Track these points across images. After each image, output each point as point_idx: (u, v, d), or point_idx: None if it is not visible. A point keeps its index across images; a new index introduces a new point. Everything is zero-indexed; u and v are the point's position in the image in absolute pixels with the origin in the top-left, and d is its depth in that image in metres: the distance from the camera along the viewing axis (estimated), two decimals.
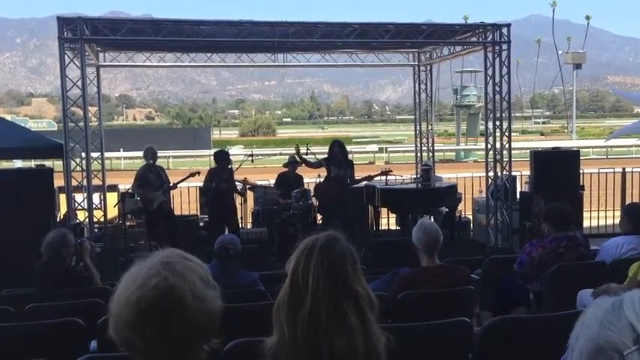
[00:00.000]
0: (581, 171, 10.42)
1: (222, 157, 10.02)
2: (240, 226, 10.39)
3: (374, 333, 1.82)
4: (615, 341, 0.75)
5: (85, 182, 9.30)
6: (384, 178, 10.29)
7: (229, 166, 9.96)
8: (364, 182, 10.69)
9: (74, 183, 9.20)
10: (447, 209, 10.51)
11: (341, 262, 1.84)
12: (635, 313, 0.76)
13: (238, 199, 10.42)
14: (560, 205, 5.55)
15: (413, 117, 13.96)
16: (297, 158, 9.95)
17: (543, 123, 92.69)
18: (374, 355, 1.81)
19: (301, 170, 10.61)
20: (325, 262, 1.82)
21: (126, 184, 10.84)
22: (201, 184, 11.61)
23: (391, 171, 10.36)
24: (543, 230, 5.22)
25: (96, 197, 9.96)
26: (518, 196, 10.63)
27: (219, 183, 9.57)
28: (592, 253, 5.52)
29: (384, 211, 11.02)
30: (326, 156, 9.99)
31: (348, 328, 1.77)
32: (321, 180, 10.03)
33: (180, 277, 1.38)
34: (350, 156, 10.70)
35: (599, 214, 12.08)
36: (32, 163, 12.85)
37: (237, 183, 10.08)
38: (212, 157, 10.97)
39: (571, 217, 5.26)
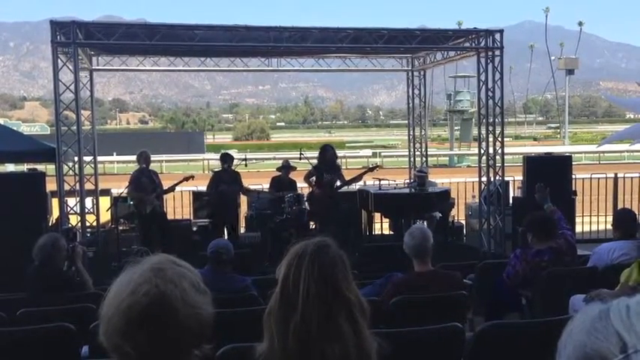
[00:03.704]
0: (573, 176, 10.47)
1: (222, 159, 10.25)
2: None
3: (366, 339, 1.82)
4: (602, 350, 0.75)
5: (77, 186, 9.27)
6: (377, 182, 10.32)
7: (232, 168, 10.12)
8: (357, 187, 10.73)
9: (67, 187, 9.15)
10: (440, 214, 10.53)
11: (332, 269, 1.84)
12: (622, 321, 0.77)
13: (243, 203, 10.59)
14: (544, 214, 5.55)
15: (406, 122, 13.98)
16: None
17: (555, 129, 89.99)
18: None
19: (294, 175, 10.64)
20: (316, 268, 1.82)
21: (119, 188, 10.81)
22: (195, 188, 11.65)
23: (377, 167, 10.43)
24: (527, 239, 5.22)
25: (88, 201, 9.91)
26: (510, 201, 10.65)
27: (225, 187, 9.82)
28: (583, 259, 5.54)
29: (377, 215, 11.03)
30: (316, 162, 10.04)
31: (340, 334, 1.77)
32: (314, 187, 10.02)
33: (171, 284, 1.37)
34: (343, 160, 10.79)
35: (591, 220, 12.12)
36: (24, 167, 12.81)
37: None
38: (206, 162, 11.10)
39: (554, 226, 5.24)
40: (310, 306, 1.78)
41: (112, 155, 32.83)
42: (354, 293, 1.86)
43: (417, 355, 3.33)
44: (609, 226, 6.64)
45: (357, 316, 1.81)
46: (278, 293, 1.84)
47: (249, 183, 10.36)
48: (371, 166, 10.36)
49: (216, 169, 10.93)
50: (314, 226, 10.28)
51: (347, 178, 10.09)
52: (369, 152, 39.07)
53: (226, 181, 9.90)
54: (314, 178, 9.92)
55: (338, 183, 9.92)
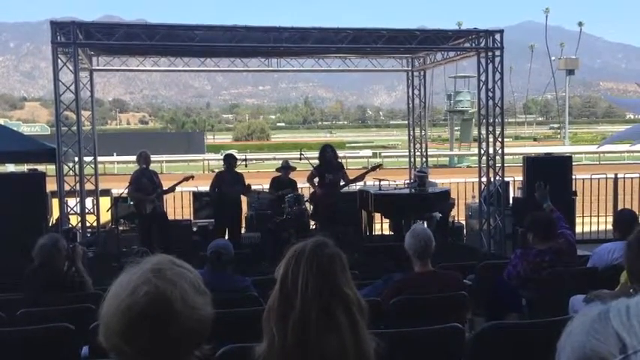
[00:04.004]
0: (573, 176, 10.47)
1: (225, 160, 10.29)
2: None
3: (364, 337, 1.82)
4: (601, 350, 0.75)
5: (77, 186, 9.27)
6: (377, 183, 10.34)
7: (235, 169, 10.13)
8: (358, 187, 10.75)
9: (67, 187, 9.16)
10: (440, 214, 10.53)
11: (330, 266, 1.86)
12: (621, 322, 0.77)
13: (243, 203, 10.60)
14: (544, 215, 5.55)
15: (406, 122, 13.98)
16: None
17: (557, 129, 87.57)
18: (364, 359, 1.81)
19: (294, 175, 10.65)
20: (314, 266, 1.83)
21: (119, 189, 10.82)
22: (195, 189, 11.65)
23: (379, 166, 10.45)
24: (528, 240, 5.23)
25: (89, 202, 9.92)
26: (510, 201, 10.66)
27: (227, 187, 9.80)
28: (584, 259, 5.54)
29: (377, 216, 11.03)
30: (317, 162, 10.06)
31: (339, 331, 1.78)
32: (317, 187, 10.04)
33: (170, 284, 1.37)
34: (343, 161, 10.82)
35: (591, 220, 12.12)
36: (25, 168, 12.82)
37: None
38: (206, 162, 11.10)
39: (555, 226, 5.26)
40: (309, 301, 1.79)
41: (113, 155, 32.83)
42: (352, 290, 1.87)
43: (417, 356, 3.33)
44: (609, 227, 6.64)
45: (355, 313, 1.82)
46: (277, 291, 1.85)
47: (248, 183, 10.36)
48: (373, 165, 10.38)
49: (218, 170, 10.95)
50: (314, 226, 10.29)
51: (350, 177, 10.12)
52: (369, 152, 39.06)
53: (228, 182, 9.88)
54: (317, 179, 9.93)
55: (342, 182, 9.95)
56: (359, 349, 1.80)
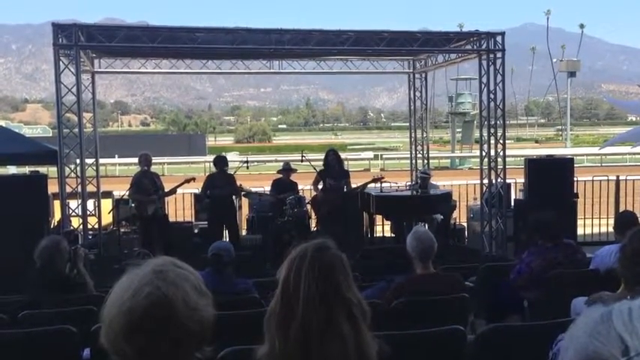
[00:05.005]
0: (575, 178, 10.45)
1: (217, 162, 10.15)
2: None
3: (366, 341, 1.82)
4: (604, 353, 0.75)
5: (79, 188, 9.27)
6: (378, 185, 10.34)
7: (227, 171, 10.08)
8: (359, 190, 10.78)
9: (68, 189, 9.16)
10: (441, 216, 10.53)
11: (332, 270, 1.85)
12: (624, 324, 0.77)
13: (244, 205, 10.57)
14: (547, 214, 5.54)
15: (408, 124, 13.98)
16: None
17: (560, 130, 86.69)
18: None
19: (296, 177, 10.64)
20: (316, 270, 1.82)
21: (120, 191, 10.82)
22: (196, 191, 11.65)
23: (382, 178, 10.45)
24: (535, 240, 5.24)
25: (90, 204, 9.92)
26: (512, 203, 10.64)
27: (214, 189, 9.71)
28: (586, 261, 5.54)
29: (379, 218, 11.03)
30: (322, 167, 10.08)
31: (340, 336, 1.77)
32: (319, 191, 10.04)
33: (172, 286, 1.38)
34: (345, 163, 10.84)
35: (592, 222, 12.10)
36: (26, 170, 12.83)
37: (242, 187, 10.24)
38: (207, 164, 11.15)
39: (560, 225, 5.28)
40: (311, 307, 1.78)
41: (114, 157, 32.84)
42: (354, 295, 1.86)
43: (418, 358, 3.32)
44: (611, 229, 6.62)
45: (357, 317, 1.82)
46: (279, 295, 1.85)
47: (250, 185, 10.35)
48: (376, 177, 10.38)
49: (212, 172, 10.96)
50: (315, 228, 10.29)
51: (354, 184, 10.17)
52: (370, 154, 39.04)
53: (219, 184, 9.85)
54: (321, 183, 9.97)
55: (345, 189, 9.98)
56: (361, 353, 1.79)
